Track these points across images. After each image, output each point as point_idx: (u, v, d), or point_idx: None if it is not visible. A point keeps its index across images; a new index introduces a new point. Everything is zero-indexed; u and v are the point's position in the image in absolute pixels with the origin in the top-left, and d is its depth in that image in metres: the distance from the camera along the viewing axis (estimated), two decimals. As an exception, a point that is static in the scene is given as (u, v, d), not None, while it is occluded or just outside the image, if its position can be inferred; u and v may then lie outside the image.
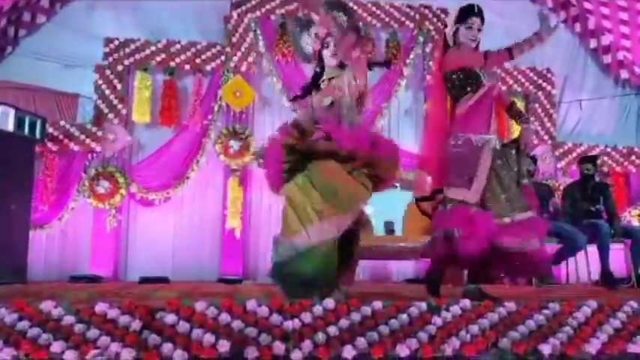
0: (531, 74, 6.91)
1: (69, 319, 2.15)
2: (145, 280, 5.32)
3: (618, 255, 5.69)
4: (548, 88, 6.94)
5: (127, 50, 6.03)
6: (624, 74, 7.14)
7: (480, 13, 3.26)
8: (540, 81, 6.93)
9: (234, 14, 6.30)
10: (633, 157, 7.00)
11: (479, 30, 3.25)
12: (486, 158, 3.14)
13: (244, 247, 6.02)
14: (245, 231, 6.02)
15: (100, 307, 2.20)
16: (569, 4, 7.15)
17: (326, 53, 3.07)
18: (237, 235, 5.93)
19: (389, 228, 5.97)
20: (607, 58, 7.12)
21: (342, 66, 3.13)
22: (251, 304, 2.28)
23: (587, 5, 6.92)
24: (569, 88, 7.07)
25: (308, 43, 3.15)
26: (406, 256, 5.37)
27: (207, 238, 6.03)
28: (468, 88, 3.20)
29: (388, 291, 3.98)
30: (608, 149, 6.93)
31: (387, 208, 5.70)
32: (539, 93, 6.91)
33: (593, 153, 6.73)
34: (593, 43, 7.15)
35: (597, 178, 5.83)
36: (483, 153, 3.13)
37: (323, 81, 3.10)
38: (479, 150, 3.14)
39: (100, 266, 5.66)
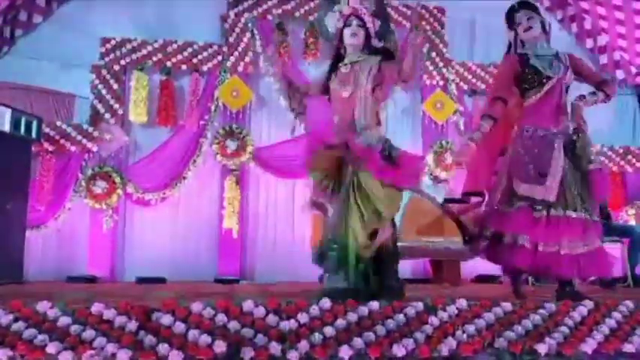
0: (528, 74, 6.90)
1: (65, 320, 2.16)
2: (141, 281, 5.32)
3: (614, 254, 5.68)
4: (545, 87, 6.94)
5: (124, 50, 6.01)
6: (620, 74, 7.15)
7: (520, 6, 3.37)
8: (537, 81, 6.93)
9: (231, 14, 6.29)
10: (630, 157, 7.02)
11: (529, 19, 3.33)
12: (558, 152, 3.17)
13: (241, 248, 6.01)
14: (242, 231, 6.01)
15: (96, 307, 2.21)
16: (565, 4, 7.16)
17: (347, 32, 3.04)
18: (235, 235, 5.92)
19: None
20: (603, 58, 7.13)
21: (370, 50, 3.09)
22: (247, 305, 2.29)
23: (583, 5, 6.93)
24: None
25: (332, 21, 3.14)
26: (404, 256, 5.35)
27: (204, 238, 6.01)
28: (529, 85, 3.28)
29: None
30: (605, 149, 6.94)
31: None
32: (536, 93, 6.91)
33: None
34: (589, 43, 7.16)
35: None
36: (554, 147, 3.17)
37: (345, 65, 3.07)
38: (549, 144, 3.18)
39: (96, 266, 5.64)
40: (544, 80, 3.25)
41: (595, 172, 3.24)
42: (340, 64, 3.08)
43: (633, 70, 7.06)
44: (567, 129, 3.25)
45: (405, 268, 6.22)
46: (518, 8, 3.37)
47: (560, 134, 3.21)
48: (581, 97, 3.35)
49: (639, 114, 7.38)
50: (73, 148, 5.72)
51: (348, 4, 3.05)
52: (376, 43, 3.12)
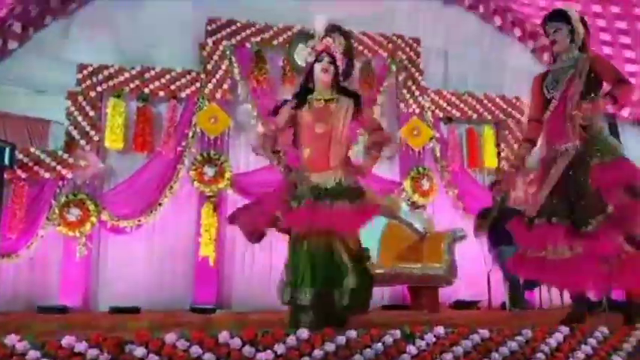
0: (501, 102, 7.08)
1: (34, 354, 2.09)
2: (115, 310, 5.20)
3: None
4: (517, 115, 7.11)
5: (101, 76, 5.98)
6: (590, 102, 7.36)
7: (552, 17, 3.38)
8: (509, 109, 7.10)
9: (210, 41, 6.33)
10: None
11: (556, 30, 3.34)
12: (557, 170, 3.17)
13: (218, 276, 5.93)
14: (219, 259, 5.94)
15: (67, 340, 2.14)
16: (537, 35, 7.38)
17: (317, 67, 3.11)
18: (211, 263, 5.84)
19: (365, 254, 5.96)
20: (573, 88, 7.33)
21: (339, 90, 3.17)
22: (223, 336, 2.25)
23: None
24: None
25: (302, 55, 3.19)
26: (381, 283, 5.34)
27: (180, 266, 5.91)
28: (544, 105, 3.35)
29: (363, 318, 3.95)
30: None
31: (362, 234, 5.69)
32: (509, 120, 7.07)
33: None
34: (559, 73, 7.36)
35: None
36: (554, 164, 3.19)
37: (318, 100, 3.11)
38: (550, 162, 3.22)
39: (69, 296, 5.49)
40: (549, 99, 3.31)
41: (593, 168, 3.07)
42: (311, 98, 3.13)
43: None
44: (575, 142, 3.16)
45: (384, 294, 6.22)
46: (549, 20, 3.40)
47: (568, 149, 3.17)
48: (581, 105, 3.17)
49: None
50: (46, 175, 5.63)
51: (321, 40, 3.12)
52: (342, 81, 3.19)
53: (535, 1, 6.65)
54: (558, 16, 3.37)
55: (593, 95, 3.15)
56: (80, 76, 5.96)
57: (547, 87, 3.34)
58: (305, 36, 3.25)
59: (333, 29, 3.17)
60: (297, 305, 2.94)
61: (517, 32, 7.42)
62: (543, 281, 3.24)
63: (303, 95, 3.17)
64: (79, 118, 5.86)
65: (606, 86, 3.24)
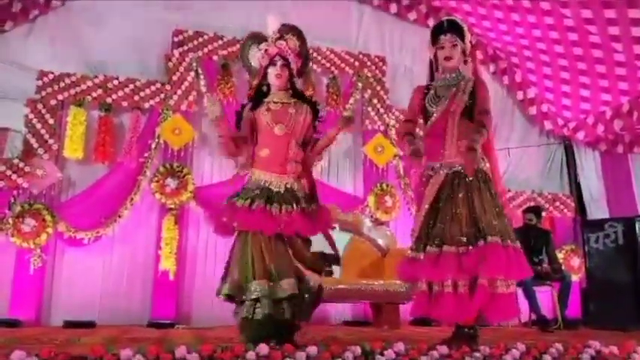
0: (464, 122, 7.22)
1: (-20, 370, 2.01)
2: (69, 325, 5.05)
3: (545, 297, 5.92)
4: (479, 135, 7.26)
5: (62, 84, 5.85)
6: (548, 125, 7.61)
7: (449, 29, 3.20)
8: (472, 129, 7.25)
9: (176, 53, 6.28)
10: (557, 203, 7.41)
11: (453, 45, 3.19)
12: (430, 188, 3.12)
13: (178, 290, 5.82)
14: (179, 273, 5.83)
15: (17, 355, 2.06)
16: (497, 58, 7.60)
17: (271, 71, 3.12)
18: (171, 277, 5.73)
19: (327, 269, 5.95)
20: (532, 110, 7.57)
21: (295, 93, 3.18)
22: (180, 352, 2.21)
23: (514, 59, 7.38)
24: (498, 136, 7.41)
25: (256, 58, 3.19)
26: (344, 298, 5.35)
27: (139, 279, 5.78)
28: (424, 119, 3.30)
29: (325, 334, 3.94)
30: (535, 195, 7.30)
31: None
32: (472, 140, 7.21)
33: (521, 198, 7.10)
34: (519, 95, 7.59)
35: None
36: (429, 182, 3.15)
37: (276, 103, 3.12)
38: (427, 180, 3.17)
39: (20, 309, 5.30)
40: (430, 113, 3.23)
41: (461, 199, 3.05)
42: (267, 100, 3.16)
43: (560, 121, 7.51)
44: (452, 162, 3.12)
45: (346, 310, 6.22)
46: (446, 29, 3.21)
47: (442, 166, 3.13)
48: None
49: (566, 163, 7.83)
50: (1, 184, 5.45)
51: (275, 42, 3.13)
52: (297, 81, 3.23)
53: (497, 26, 6.85)
54: (456, 29, 3.21)
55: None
56: (40, 83, 5.81)
57: (429, 102, 3.22)
58: (258, 38, 3.24)
59: (286, 30, 3.15)
60: (242, 301, 2.90)
61: (479, 55, 7.61)
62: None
63: (258, 97, 3.19)
64: (38, 126, 5.71)
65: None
